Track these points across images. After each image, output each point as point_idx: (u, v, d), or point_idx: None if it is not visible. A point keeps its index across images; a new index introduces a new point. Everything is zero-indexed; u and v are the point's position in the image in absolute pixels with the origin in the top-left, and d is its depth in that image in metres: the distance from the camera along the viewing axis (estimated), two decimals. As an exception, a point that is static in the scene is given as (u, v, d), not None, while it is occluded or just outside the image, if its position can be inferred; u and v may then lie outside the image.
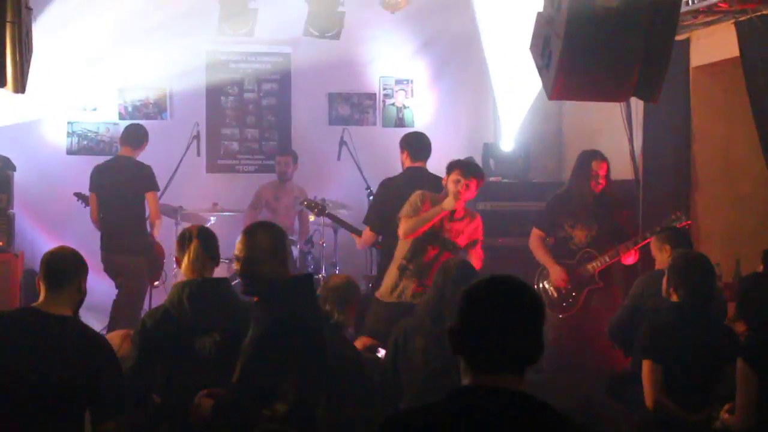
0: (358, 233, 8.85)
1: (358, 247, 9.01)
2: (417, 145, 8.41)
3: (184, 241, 5.25)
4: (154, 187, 9.49)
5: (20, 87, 5.19)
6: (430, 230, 7.27)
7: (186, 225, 10.10)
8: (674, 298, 5.64)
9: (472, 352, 2.85)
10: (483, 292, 2.88)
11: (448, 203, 7.18)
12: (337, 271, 9.85)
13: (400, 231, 7.41)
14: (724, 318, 6.44)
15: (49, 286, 4.64)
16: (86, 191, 9.60)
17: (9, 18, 5.01)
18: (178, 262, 5.28)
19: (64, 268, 4.70)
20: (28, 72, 5.30)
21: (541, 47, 5.99)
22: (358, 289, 6.18)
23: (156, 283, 9.82)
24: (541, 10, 6.09)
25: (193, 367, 4.92)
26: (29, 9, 5.31)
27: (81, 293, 4.73)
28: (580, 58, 5.62)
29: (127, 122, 10.60)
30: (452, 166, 7.36)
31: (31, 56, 5.39)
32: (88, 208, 9.63)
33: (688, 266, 5.65)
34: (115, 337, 5.56)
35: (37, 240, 10.57)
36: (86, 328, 4.69)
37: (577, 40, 5.55)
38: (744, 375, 4.95)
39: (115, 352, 4.81)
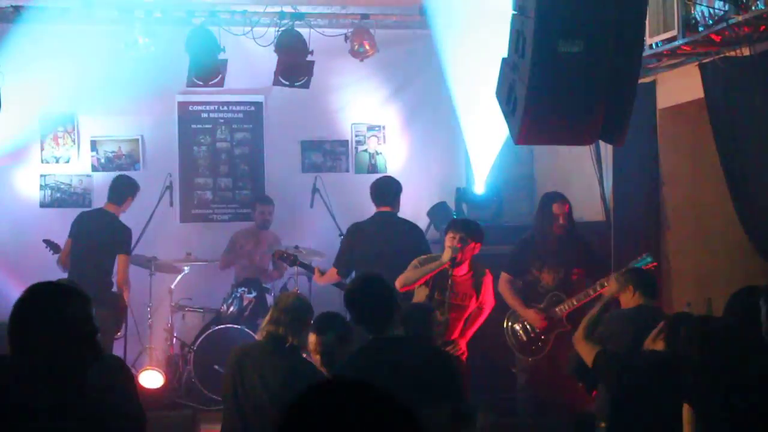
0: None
1: (315, 280, 9.12)
2: (381, 190, 8.60)
3: None
4: (126, 250, 9.45)
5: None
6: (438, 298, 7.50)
7: (160, 275, 10.17)
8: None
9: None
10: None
11: (445, 255, 7.43)
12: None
13: (399, 282, 7.56)
14: None
15: None
16: (58, 242, 9.61)
17: (-24, 75, 5.04)
18: None
19: None
20: (-5, 127, 5.32)
21: (507, 93, 6.04)
22: (310, 307, 6.12)
23: (118, 334, 9.74)
24: (505, 56, 6.16)
25: None
26: (-4, 66, 5.34)
27: None
28: (545, 103, 5.67)
29: (100, 174, 10.75)
30: (447, 226, 7.79)
31: (-1, 112, 5.41)
32: (56, 255, 9.63)
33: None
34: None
35: (10, 293, 10.47)
36: None
37: (541, 85, 5.60)
38: (690, 419, 4.94)
39: None
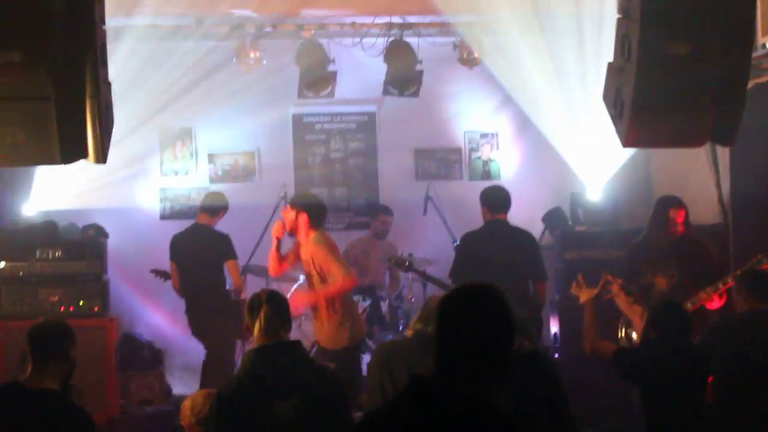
0: (446, 288, 8.90)
1: None
2: (495, 198, 8.55)
3: (253, 307, 5.23)
4: (233, 255, 9.68)
5: (101, 158, 5.34)
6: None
7: (276, 285, 10.29)
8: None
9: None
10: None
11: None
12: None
13: None
14: None
15: (35, 359, 4.74)
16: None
17: (89, 93, 5.18)
18: (249, 329, 5.25)
19: (47, 341, 4.79)
20: (108, 143, 5.46)
21: (614, 97, 5.99)
22: None
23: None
24: (612, 60, 6.10)
25: None
26: (108, 83, 5.48)
27: (70, 363, 4.78)
28: (652, 106, 5.60)
29: (217, 186, 10.92)
30: None
31: (111, 128, 5.55)
32: (167, 281, 9.85)
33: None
34: (198, 397, 5.62)
35: (134, 304, 10.84)
36: (67, 403, 4.74)
37: (648, 88, 5.54)
38: None
39: (94, 426, 4.83)
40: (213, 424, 5.02)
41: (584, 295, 6.92)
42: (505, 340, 3.14)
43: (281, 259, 8.29)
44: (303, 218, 7.96)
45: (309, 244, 7.97)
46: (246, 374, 5.03)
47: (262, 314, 5.14)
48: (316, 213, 8.09)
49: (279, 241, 8.13)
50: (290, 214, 8.03)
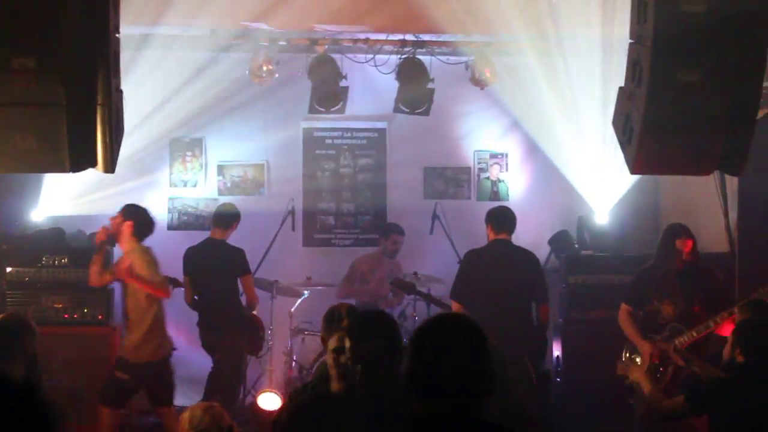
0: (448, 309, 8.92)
1: None
2: (500, 218, 8.56)
3: (332, 320, 5.22)
4: (248, 270, 9.69)
5: (109, 167, 5.35)
6: None
7: (281, 298, 10.29)
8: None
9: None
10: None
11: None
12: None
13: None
14: None
15: None
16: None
17: (99, 101, 5.19)
18: (324, 342, 5.26)
19: (2, 335, 4.98)
20: (117, 152, 5.47)
21: (623, 123, 5.99)
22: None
23: (260, 354, 9.97)
24: (623, 84, 6.11)
25: None
26: (119, 91, 5.50)
27: (27, 356, 4.97)
28: (661, 132, 5.60)
29: (226, 198, 10.87)
30: None
31: (121, 137, 5.56)
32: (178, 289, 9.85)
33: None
34: (197, 409, 5.59)
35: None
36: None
37: (658, 114, 5.54)
38: None
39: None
40: (282, 427, 5.07)
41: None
42: (483, 366, 3.20)
43: (103, 269, 8.58)
44: (127, 226, 8.34)
45: (130, 253, 8.32)
46: (323, 386, 5.04)
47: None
48: (141, 224, 8.47)
49: (103, 246, 8.49)
50: (117, 219, 8.38)
